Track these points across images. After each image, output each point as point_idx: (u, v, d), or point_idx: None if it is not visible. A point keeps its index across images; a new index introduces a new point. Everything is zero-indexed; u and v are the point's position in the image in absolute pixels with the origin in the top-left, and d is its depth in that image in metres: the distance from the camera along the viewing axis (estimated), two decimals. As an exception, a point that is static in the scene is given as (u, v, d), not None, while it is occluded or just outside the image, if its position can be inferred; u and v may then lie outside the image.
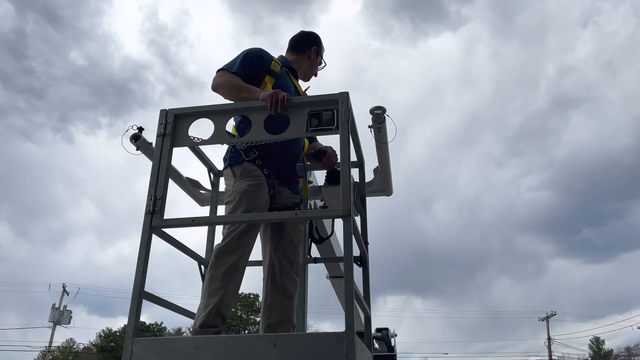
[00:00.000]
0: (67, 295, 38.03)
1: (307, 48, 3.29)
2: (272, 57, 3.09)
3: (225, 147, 2.98)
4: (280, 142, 2.76)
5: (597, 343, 51.49)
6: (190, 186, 3.48)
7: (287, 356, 2.14)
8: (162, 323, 49.86)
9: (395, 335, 7.45)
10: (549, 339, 40.98)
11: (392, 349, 5.83)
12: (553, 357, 40.64)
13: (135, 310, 2.34)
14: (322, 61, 3.39)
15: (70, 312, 38.24)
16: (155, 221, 2.46)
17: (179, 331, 51.89)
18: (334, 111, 2.54)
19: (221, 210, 3.59)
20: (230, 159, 2.86)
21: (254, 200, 2.69)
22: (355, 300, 2.29)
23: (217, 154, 3.45)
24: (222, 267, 2.60)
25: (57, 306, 37.71)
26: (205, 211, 3.59)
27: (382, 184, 3.43)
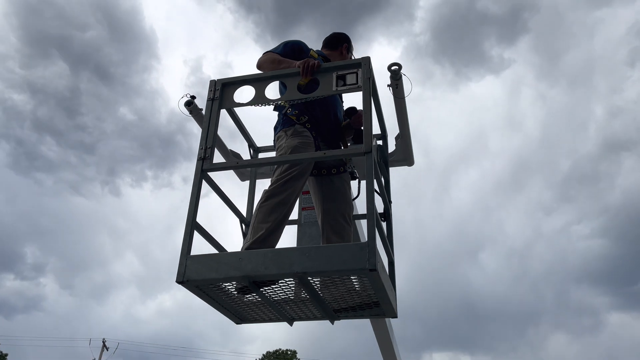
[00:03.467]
0: (107, 350, 38.33)
1: (340, 44, 3.77)
2: (310, 48, 3.57)
3: (275, 118, 3.42)
4: (325, 109, 3.24)
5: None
6: (233, 158, 3.91)
7: (317, 263, 2.46)
8: None
9: None
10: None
11: None
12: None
13: (189, 234, 2.73)
14: (353, 57, 3.85)
15: (110, 367, 38.41)
16: (205, 165, 2.88)
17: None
18: (357, 73, 2.97)
19: (260, 184, 4.01)
20: (283, 124, 3.30)
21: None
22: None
23: (257, 130, 3.89)
24: (269, 205, 2.96)
25: (96, 362, 37.96)
26: (245, 186, 4.00)
27: (404, 152, 3.79)
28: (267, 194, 3.01)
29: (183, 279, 2.59)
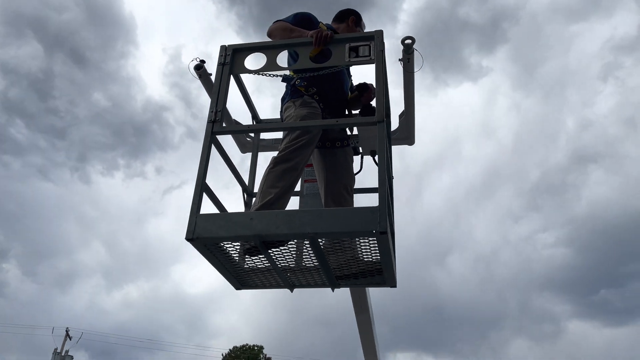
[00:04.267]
0: (70, 339, 37.65)
1: (347, 17, 3.81)
2: (319, 21, 3.60)
3: (283, 89, 3.45)
4: (333, 82, 3.28)
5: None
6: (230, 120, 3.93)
7: (328, 224, 2.51)
8: None
9: None
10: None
11: None
12: None
13: (199, 194, 2.74)
14: (361, 31, 3.87)
15: (72, 357, 37.76)
16: (216, 127, 2.89)
17: None
18: (369, 45, 3.02)
19: (262, 157, 4.03)
20: (291, 94, 3.33)
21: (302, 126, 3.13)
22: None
23: (261, 102, 3.90)
24: (278, 171, 2.99)
25: (58, 351, 37.28)
26: (247, 157, 4.02)
27: (407, 131, 3.86)
28: (276, 160, 3.04)
29: (193, 236, 2.60)
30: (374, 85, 3.52)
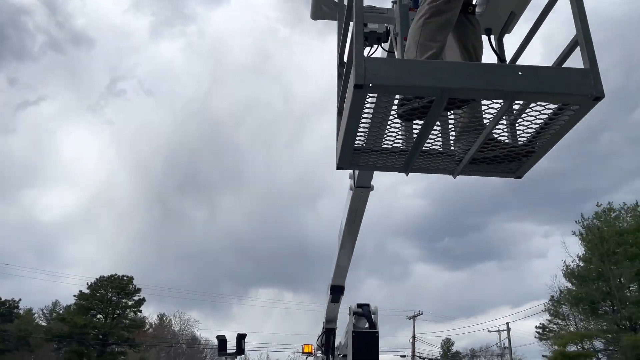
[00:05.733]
0: None
1: None
2: None
3: None
4: None
5: (447, 344, 56.03)
6: None
7: (534, 83, 2.08)
8: (19, 300, 45.21)
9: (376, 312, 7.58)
10: (414, 336, 43.46)
11: (373, 325, 5.85)
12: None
13: (360, 32, 2.13)
14: None
15: None
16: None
17: (29, 311, 47.28)
18: None
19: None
20: None
21: None
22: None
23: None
24: (437, 22, 2.47)
25: None
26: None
27: None
28: (432, 9, 2.49)
29: (365, 82, 2.02)
30: None
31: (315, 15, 3.37)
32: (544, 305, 37.05)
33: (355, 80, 2.03)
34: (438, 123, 2.49)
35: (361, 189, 5.30)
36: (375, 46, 3.51)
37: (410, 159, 2.66)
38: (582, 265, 34.45)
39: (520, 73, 2.11)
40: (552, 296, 36.11)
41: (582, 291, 33.10)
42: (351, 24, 3.07)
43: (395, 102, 2.30)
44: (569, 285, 35.03)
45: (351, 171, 5.41)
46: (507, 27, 3.11)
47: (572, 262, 34.98)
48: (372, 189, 5.39)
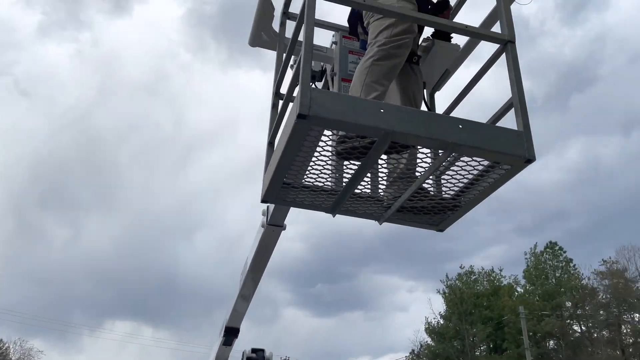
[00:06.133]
0: None
1: None
2: None
3: None
4: None
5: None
6: (269, 9, 3.13)
7: (472, 137, 2.10)
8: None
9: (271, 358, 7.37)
10: (278, 381, 42.63)
11: None
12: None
13: (309, 62, 2.06)
14: None
15: None
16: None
17: None
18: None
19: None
20: None
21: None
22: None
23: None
24: (386, 66, 2.46)
25: None
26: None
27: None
28: (382, 52, 2.48)
29: (309, 113, 1.92)
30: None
31: (254, 43, 3.27)
32: (405, 357, 38.57)
33: (300, 110, 1.92)
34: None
35: (273, 228, 5.15)
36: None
37: (340, 201, 2.57)
38: (442, 322, 36.55)
39: (460, 126, 2.12)
40: (413, 350, 37.86)
41: (440, 347, 35.09)
42: (299, 54, 3.00)
43: (325, 134, 2.21)
44: (429, 340, 36.89)
45: (265, 207, 5.26)
46: (441, 83, 3.20)
47: (434, 318, 37.22)
48: (285, 229, 5.26)
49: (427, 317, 37.37)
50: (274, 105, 2.84)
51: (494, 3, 2.99)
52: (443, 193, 2.58)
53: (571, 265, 35.20)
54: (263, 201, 2.62)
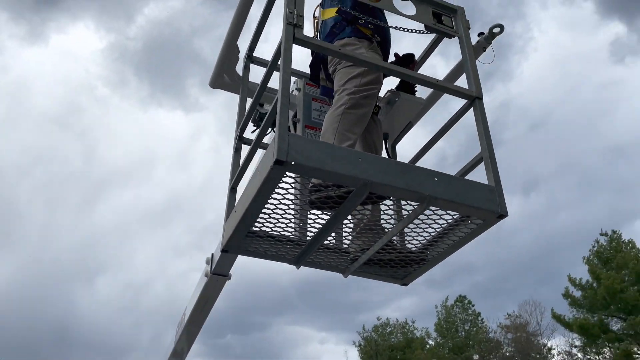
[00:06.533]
0: None
1: None
2: None
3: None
4: (388, 37, 2.83)
5: None
6: (234, 52, 3.03)
7: (447, 191, 2.08)
8: None
9: None
10: None
11: None
12: None
13: (286, 106, 1.98)
14: None
15: None
16: (298, 33, 2.17)
17: None
18: (452, 18, 2.75)
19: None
20: (353, 32, 2.72)
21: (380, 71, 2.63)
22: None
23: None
24: (357, 115, 2.42)
25: None
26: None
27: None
28: (353, 100, 2.44)
29: (287, 159, 1.83)
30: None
31: (214, 84, 3.17)
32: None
33: (277, 155, 1.82)
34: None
35: (218, 277, 4.90)
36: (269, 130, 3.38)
37: (306, 252, 2.45)
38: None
39: (436, 179, 2.09)
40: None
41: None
42: (262, 97, 2.93)
43: (289, 182, 2.12)
44: (344, 395, 36.55)
45: (209, 255, 5.02)
46: (402, 135, 3.21)
47: None
48: (230, 278, 5.02)
49: (342, 370, 37.11)
50: (237, 150, 2.73)
51: (455, 58, 3.10)
52: (408, 244, 2.53)
53: (479, 319, 36.45)
54: (224, 251, 2.45)
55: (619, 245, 29.73)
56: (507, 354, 34.14)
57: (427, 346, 37.05)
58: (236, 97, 3.06)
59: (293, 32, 2.16)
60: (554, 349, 33.42)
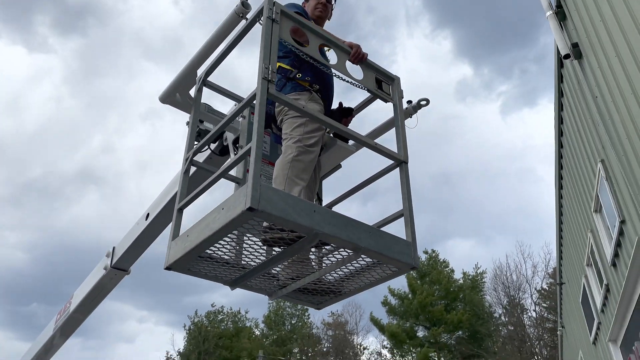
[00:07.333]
0: None
1: None
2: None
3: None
4: (330, 87, 3.20)
5: None
6: (192, 77, 3.17)
7: (377, 244, 2.51)
8: None
9: None
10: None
11: None
12: None
13: (259, 157, 2.27)
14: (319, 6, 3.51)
15: None
16: (272, 89, 2.46)
17: None
18: (390, 85, 3.20)
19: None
20: (294, 88, 3.03)
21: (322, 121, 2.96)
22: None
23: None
24: (305, 161, 2.72)
25: None
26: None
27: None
28: (300, 149, 2.77)
29: (258, 207, 2.13)
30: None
31: (165, 100, 3.28)
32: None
33: (250, 203, 2.10)
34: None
35: (117, 271, 4.91)
36: (206, 147, 3.57)
37: (245, 277, 2.75)
38: (179, 360, 37.16)
39: (369, 233, 2.51)
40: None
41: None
42: (210, 121, 3.14)
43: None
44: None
45: (110, 249, 4.99)
46: (330, 173, 3.61)
47: (175, 355, 37.58)
48: (129, 273, 5.04)
49: (167, 352, 38.04)
50: (186, 172, 2.93)
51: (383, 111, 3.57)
52: (329, 276, 2.91)
53: (306, 314, 39.45)
54: (167, 268, 2.65)
55: (436, 263, 34.82)
56: (324, 349, 37.71)
57: (253, 336, 38.76)
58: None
59: (267, 87, 2.45)
60: (368, 348, 38.13)
